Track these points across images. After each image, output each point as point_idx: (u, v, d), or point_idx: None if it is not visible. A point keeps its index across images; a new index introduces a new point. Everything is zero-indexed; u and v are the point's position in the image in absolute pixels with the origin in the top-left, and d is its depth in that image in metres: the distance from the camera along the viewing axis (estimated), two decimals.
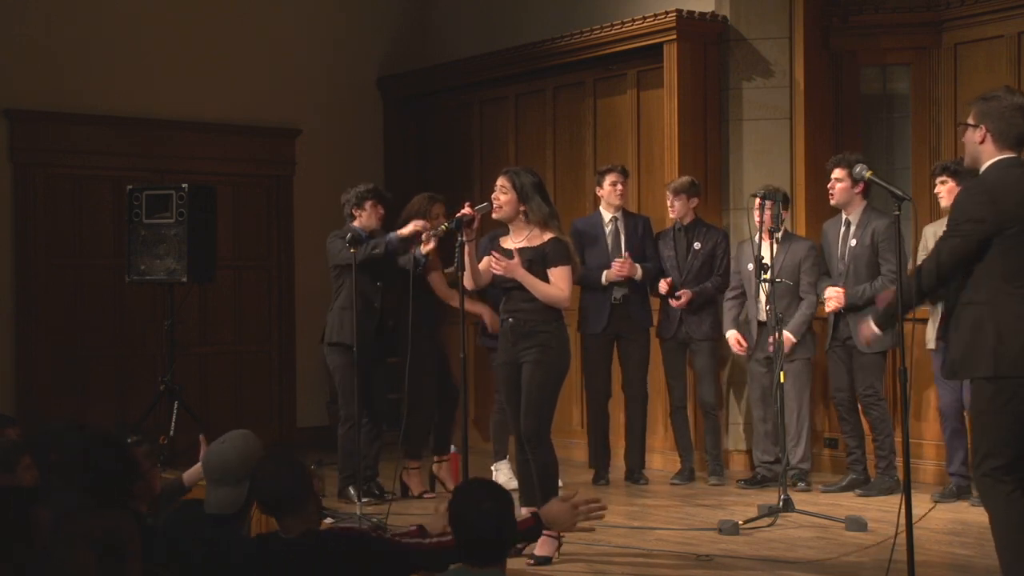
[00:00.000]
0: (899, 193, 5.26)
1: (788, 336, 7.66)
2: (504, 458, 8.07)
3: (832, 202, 7.70)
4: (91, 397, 9.72)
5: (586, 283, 8.12)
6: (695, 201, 8.22)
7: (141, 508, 4.51)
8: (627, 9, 9.14)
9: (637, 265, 8.09)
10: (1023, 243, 4.61)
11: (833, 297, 7.59)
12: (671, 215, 8.22)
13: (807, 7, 8.63)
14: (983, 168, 4.75)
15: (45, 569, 3.75)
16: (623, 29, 8.95)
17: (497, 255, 6.06)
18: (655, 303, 8.42)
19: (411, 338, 6.78)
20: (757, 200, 7.75)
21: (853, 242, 7.62)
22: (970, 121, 4.78)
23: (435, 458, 8.00)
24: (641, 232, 8.24)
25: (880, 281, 7.46)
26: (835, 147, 8.58)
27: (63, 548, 3.60)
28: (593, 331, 8.23)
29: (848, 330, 7.60)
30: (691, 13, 8.66)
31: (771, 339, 7.37)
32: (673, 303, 8.08)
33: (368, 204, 7.74)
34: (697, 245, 8.16)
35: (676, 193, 8.16)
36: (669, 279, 8.13)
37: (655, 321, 8.34)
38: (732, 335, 8.00)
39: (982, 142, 4.74)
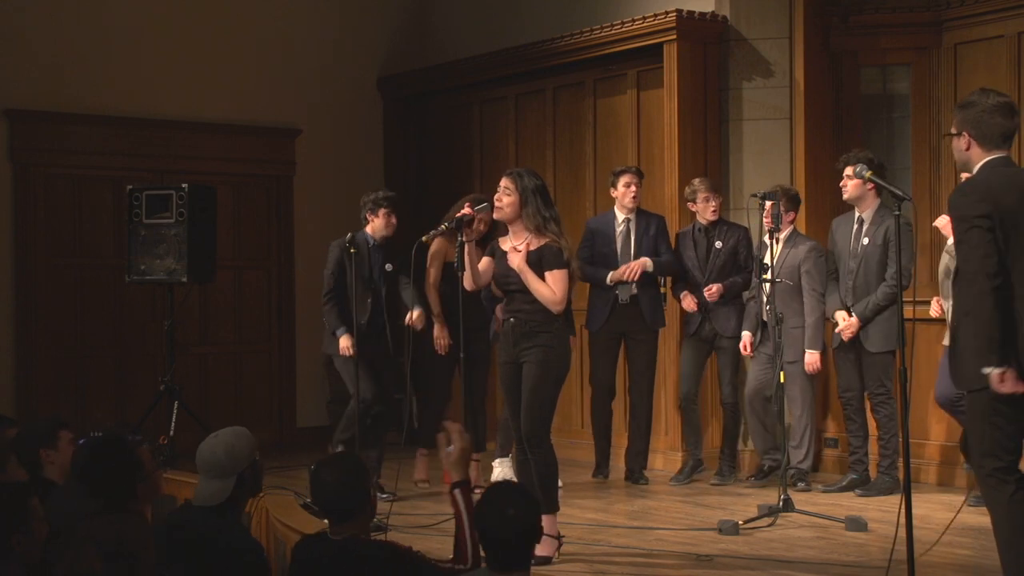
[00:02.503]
0: (899, 193, 5.28)
1: (812, 355, 7.80)
2: (507, 455, 8.07)
3: (844, 197, 7.67)
4: (91, 397, 9.72)
5: (593, 281, 8.14)
6: (720, 199, 8.25)
7: (143, 509, 4.52)
8: (627, 9, 9.14)
9: (646, 259, 8.07)
10: (1011, 240, 4.61)
11: (848, 327, 7.57)
12: (711, 216, 8.12)
13: (807, 7, 8.63)
14: (975, 169, 4.77)
15: (53, 570, 3.77)
16: (623, 29, 8.95)
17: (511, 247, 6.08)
18: (674, 302, 8.45)
19: (411, 336, 6.84)
20: (756, 201, 7.75)
21: (865, 240, 7.60)
22: (952, 130, 4.81)
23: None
24: (654, 231, 8.20)
25: (882, 289, 7.47)
26: (835, 147, 8.58)
27: (72, 551, 3.61)
28: (594, 328, 8.23)
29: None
30: (691, 13, 8.66)
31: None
32: (707, 294, 8.05)
33: (381, 212, 7.83)
34: (719, 244, 8.14)
35: (716, 192, 8.15)
36: (692, 296, 8.12)
37: (667, 322, 8.34)
38: (746, 336, 8.01)
39: (968, 148, 4.78)
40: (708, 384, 8.46)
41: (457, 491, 4.37)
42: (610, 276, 8.09)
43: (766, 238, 7.70)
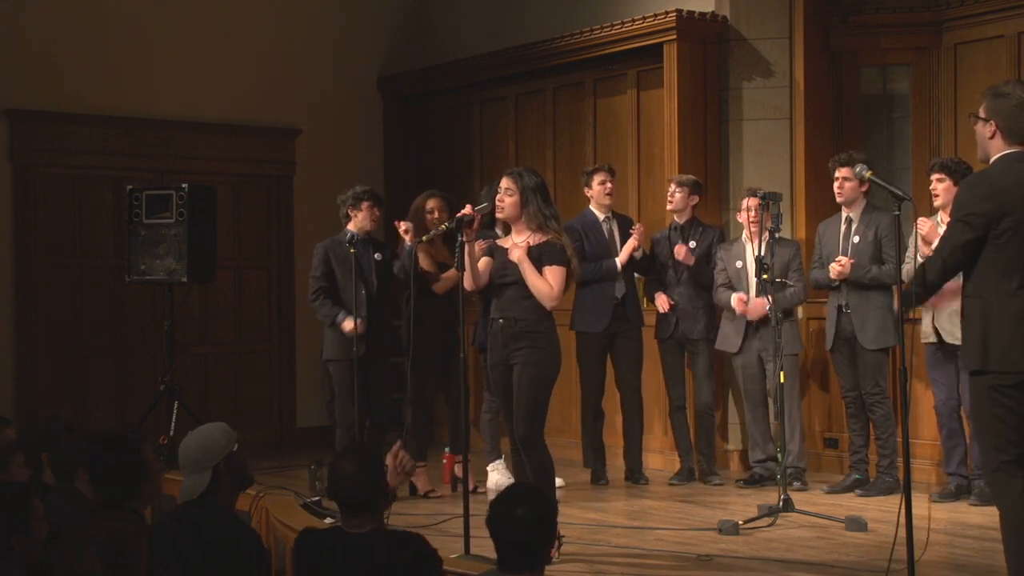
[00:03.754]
0: (899, 193, 5.28)
1: (760, 301, 7.69)
2: (499, 457, 8.06)
3: (839, 200, 7.65)
4: (91, 397, 9.73)
5: (599, 276, 8.04)
6: (695, 199, 8.21)
7: (143, 510, 4.53)
8: (627, 9, 9.15)
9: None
10: (1018, 240, 4.63)
11: (841, 264, 7.51)
12: (668, 206, 8.19)
13: (807, 7, 8.63)
14: (991, 160, 4.79)
15: (53, 570, 3.77)
16: (623, 29, 8.95)
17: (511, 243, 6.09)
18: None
19: (412, 337, 6.82)
20: (755, 200, 7.74)
21: (856, 239, 7.59)
22: (981, 115, 4.81)
23: (446, 456, 8.04)
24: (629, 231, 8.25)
25: (887, 266, 7.43)
26: (835, 147, 8.58)
27: (72, 551, 3.61)
28: (594, 330, 8.17)
29: (851, 328, 7.59)
30: (691, 13, 8.66)
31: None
32: (678, 254, 8.03)
33: (364, 205, 7.80)
34: (692, 244, 8.15)
35: (680, 185, 8.15)
36: (668, 299, 8.13)
37: (645, 320, 8.34)
38: (735, 296, 7.88)
39: (992, 137, 4.79)
40: (690, 385, 8.44)
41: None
42: (621, 257, 8.00)
43: (744, 237, 7.67)
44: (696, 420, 8.32)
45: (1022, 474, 4.61)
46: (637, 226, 8.16)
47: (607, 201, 8.18)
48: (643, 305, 8.50)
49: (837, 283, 7.61)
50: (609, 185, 8.16)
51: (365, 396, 7.69)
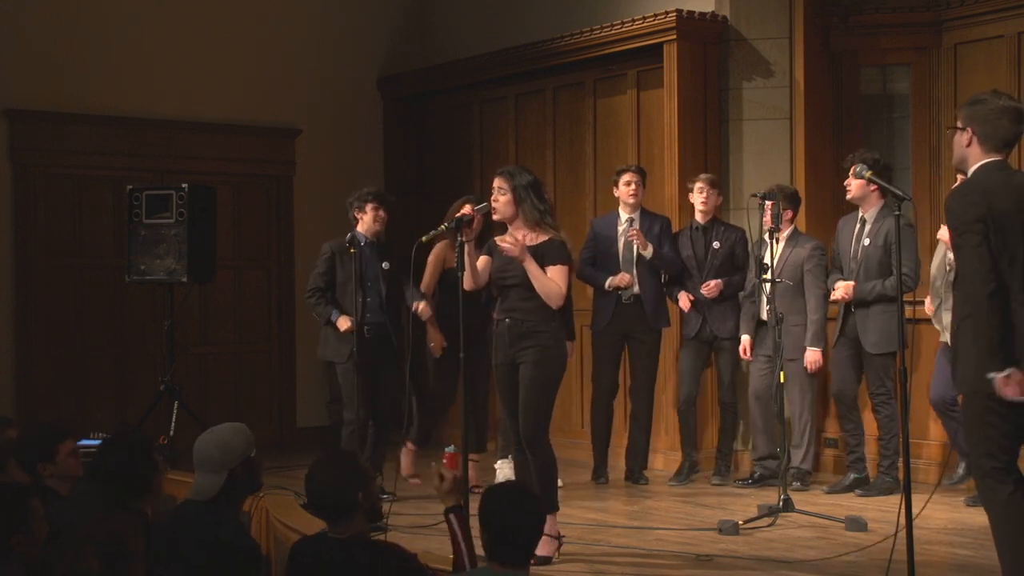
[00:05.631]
0: (899, 193, 5.28)
1: (814, 353, 7.75)
2: (508, 456, 8.06)
3: (847, 196, 7.68)
4: (91, 397, 9.72)
5: (591, 283, 8.20)
6: (719, 199, 8.24)
7: (146, 509, 4.53)
8: (627, 9, 9.15)
9: (648, 243, 8.03)
10: (1007, 244, 4.59)
11: (841, 288, 7.56)
12: (702, 207, 8.13)
13: (807, 7, 8.63)
14: (971, 171, 4.76)
15: (52, 570, 3.78)
16: (623, 29, 8.95)
17: (508, 238, 6.05)
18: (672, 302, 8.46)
19: (411, 336, 6.84)
20: (757, 200, 7.76)
21: (867, 241, 7.60)
22: (958, 124, 4.79)
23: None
24: (657, 231, 8.17)
25: (892, 280, 7.44)
26: (835, 147, 8.58)
27: (72, 551, 3.63)
28: (598, 327, 8.22)
29: (856, 328, 7.59)
30: (691, 13, 8.66)
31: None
32: (705, 290, 8.05)
33: (369, 207, 7.77)
34: (716, 244, 8.13)
35: (713, 185, 8.17)
36: (690, 296, 8.10)
37: (671, 322, 8.33)
38: (745, 340, 7.99)
39: (969, 145, 4.75)
40: (708, 385, 8.45)
41: (452, 516, 4.47)
42: (609, 282, 8.08)
43: (766, 237, 7.71)
44: (722, 419, 8.29)
45: (1011, 480, 4.62)
46: (631, 231, 8.09)
47: (631, 202, 8.16)
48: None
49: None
50: (634, 186, 8.13)
51: (370, 398, 7.68)
